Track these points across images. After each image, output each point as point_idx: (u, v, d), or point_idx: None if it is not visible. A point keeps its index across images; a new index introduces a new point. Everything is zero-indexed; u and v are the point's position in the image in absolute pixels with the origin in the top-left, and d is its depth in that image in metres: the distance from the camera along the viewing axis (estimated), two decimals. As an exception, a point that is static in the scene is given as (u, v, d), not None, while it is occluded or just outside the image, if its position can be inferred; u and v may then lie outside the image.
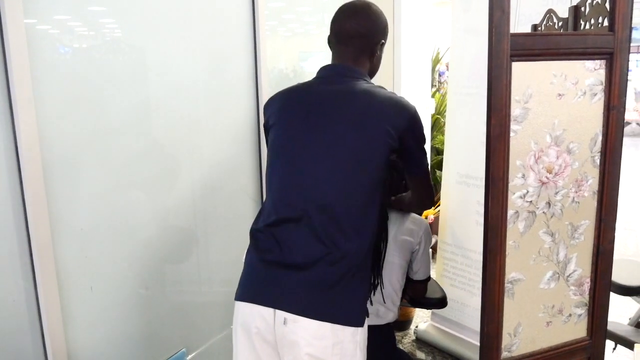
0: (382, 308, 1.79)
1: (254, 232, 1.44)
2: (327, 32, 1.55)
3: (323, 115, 1.39)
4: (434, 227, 3.11)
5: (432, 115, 3.43)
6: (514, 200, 1.37)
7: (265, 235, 1.39)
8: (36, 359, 1.50)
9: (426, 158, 1.54)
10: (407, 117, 1.41)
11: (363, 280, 1.39)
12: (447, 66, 3.86)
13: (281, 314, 1.32)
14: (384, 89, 1.45)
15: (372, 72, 1.56)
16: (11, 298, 1.45)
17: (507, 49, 1.27)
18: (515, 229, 1.38)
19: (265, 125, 1.53)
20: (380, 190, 1.42)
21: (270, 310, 1.33)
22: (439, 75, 4.18)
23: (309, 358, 1.31)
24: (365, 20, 1.47)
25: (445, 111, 3.43)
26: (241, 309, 1.39)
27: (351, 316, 1.33)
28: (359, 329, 1.35)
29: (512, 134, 1.33)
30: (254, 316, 1.36)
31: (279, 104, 1.49)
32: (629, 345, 2.36)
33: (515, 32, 1.39)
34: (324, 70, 1.50)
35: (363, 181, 1.36)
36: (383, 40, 1.53)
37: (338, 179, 1.35)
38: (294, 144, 1.41)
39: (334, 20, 1.52)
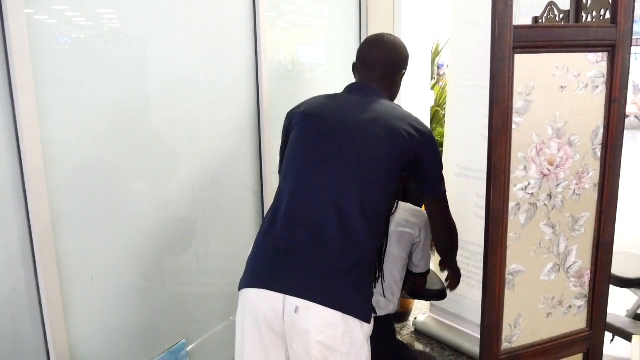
0: (383, 299, 1.80)
1: (265, 220, 1.47)
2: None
3: (343, 120, 1.47)
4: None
5: (432, 108, 3.42)
6: (516, 192, 1.37)
7: (277, 223, 1.41)
8: (37, 349, 1.51)
9: (442, 182, 1.55)
10: (424, 132, 1.48)
11: (370, 276, 1.42)
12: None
13: (292, 300, 1.30)
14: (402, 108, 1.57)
15: (391, 99, 1.63)
16: (12, 288, 1.45)
17: (509, 41, 1.27)
18: (516, 220, 1.39)
19: (287, 128, 1.59)
20: (390, 188, 1.46)
21: (280, 297, 1.31)
22: (439, 67, 4.17)
23: (319, 346, 1.30)
24: (390, 49, 1.62)
25: (444, 104, 3.43)
26: (249, 296, 1.37)
27: (361, 310, 1.34)
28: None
29: (514, 126, 1.33)
30: (262, 303, 1.34)
31: (303, 111, 1.56)
32: (627, 336, 2.37)
33: (517, 24, 1.38)
34: (349, 87, 1.61)
35: (377, 176, 1.42)
36: (404, 70, 1.66)
37: (353, 174, 1.40)
38: (313, 144, 1.48)
39: (361, 49, 1.67)
